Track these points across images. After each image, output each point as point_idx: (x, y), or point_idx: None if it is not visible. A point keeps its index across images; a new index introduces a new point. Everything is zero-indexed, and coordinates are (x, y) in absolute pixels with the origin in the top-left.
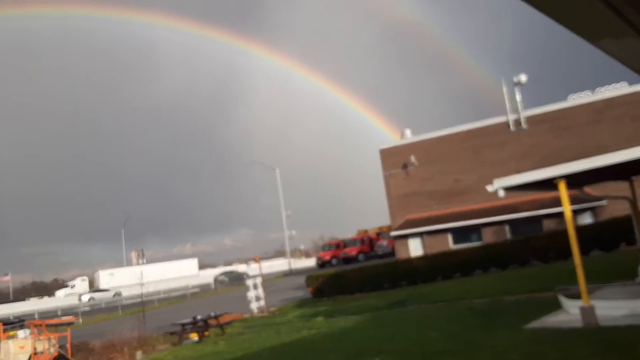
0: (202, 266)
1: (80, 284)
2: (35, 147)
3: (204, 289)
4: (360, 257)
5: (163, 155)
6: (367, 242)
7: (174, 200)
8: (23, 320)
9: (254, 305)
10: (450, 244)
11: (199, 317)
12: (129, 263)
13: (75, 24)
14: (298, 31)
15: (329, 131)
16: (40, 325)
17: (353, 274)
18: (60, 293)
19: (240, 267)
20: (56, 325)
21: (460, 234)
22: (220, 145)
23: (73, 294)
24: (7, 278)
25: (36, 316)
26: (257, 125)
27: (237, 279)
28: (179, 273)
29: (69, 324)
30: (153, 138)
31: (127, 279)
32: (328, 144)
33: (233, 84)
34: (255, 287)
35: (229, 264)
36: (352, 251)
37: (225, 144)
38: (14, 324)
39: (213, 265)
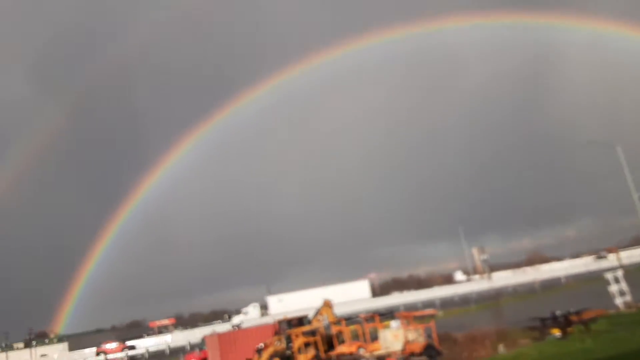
0: (544, 260)
1: (252, 311)
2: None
3: (551, 283)
4: None
5: (486, 149)
6: None
7: (507, 194)
8: (393, 313)
9: (618, 301)
10: None
11: (557, 312)
12: (471, 260)
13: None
14: None
15: None
16: (408, 317)
17: None
18: (235, 320)
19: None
20: (421, 317)
21: None
22: (547, 130)
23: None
24: (373, 275)
25: (402, 309)
26: (584, 103)
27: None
28: (349, 296)
29: (432, 316)
30: (471, 133)
31: (295, 304)
32: None
33: (545, 64)
34: (616, 280)
35: (576, 256)
36: None
37: (551, 127)
38: (386, 315)
39: (558, 259)
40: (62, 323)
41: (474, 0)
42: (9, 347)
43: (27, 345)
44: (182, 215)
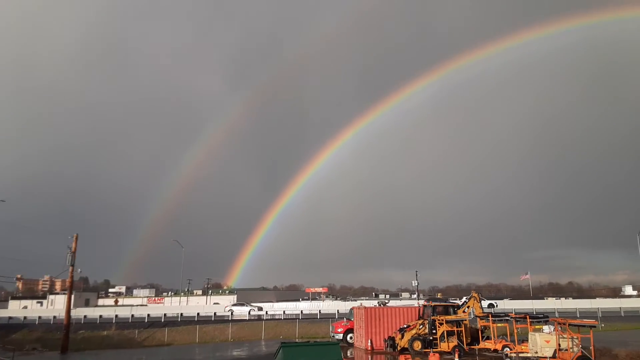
0: None
1: None
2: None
3: None
4: None
5: None
6: None
7: None
8: (547, 317)
9: None
10: None
11: None
12: None
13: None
14: None
15: None
16: (564, 324)
17: None
18: None
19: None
20: (579, 326)
21: None
22: None
23: None
24: (528, 277)
25: (556, 314)
26: None
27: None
28: None
29: (592, 326)
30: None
31: None
32: None
33: None
34: None
35: None
36: None
37: None
38: (539, 318)
39: None
40: (235, 278)
41: None
42: (190, 292)
43: (204, 293)
44: (337, 198)
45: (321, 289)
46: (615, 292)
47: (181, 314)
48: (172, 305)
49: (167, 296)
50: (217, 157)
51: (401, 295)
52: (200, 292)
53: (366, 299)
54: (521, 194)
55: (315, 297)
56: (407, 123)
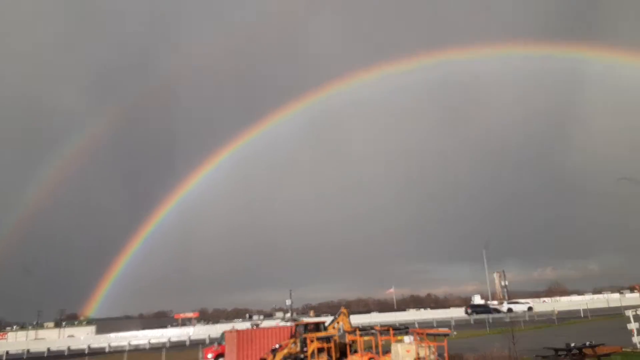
0: (564, 292)
1: None
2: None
3: (571, 314)
4: None
5: (516, 177)
6: None
7: (532, 222)
8: (407, 328)
9: (636, 339)
10: None
11: (572, 344)
12: (492, 284)
13: None
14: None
15: None
16: (422, 334)
17: None
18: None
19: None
20: (435, 335)
21: None
22: (579, 165)
23: None
24: (392, 291)
25: (416, 325)
26: (617, 138)
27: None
28: None
29: (446, 335)
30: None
31: None
32: None
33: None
34: (636, 318)
35: (598, 292)
36: None
37: (585, 162)
38: (400, 329)
39: (580, 292)
40: (94, 307)
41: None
42: (39, 326)
43: (57, 325)
44: (211, 219)
45: (192, 314)
46: (467, 302)
47: (28, 350)
48: (18, 341)
49: (12, 330)
50: (76, 177)
51: (275, 315)
52: (52, 324)
53: (240, 321)
54: (384, 214)
55: (185, 323)
56: (285, 144)
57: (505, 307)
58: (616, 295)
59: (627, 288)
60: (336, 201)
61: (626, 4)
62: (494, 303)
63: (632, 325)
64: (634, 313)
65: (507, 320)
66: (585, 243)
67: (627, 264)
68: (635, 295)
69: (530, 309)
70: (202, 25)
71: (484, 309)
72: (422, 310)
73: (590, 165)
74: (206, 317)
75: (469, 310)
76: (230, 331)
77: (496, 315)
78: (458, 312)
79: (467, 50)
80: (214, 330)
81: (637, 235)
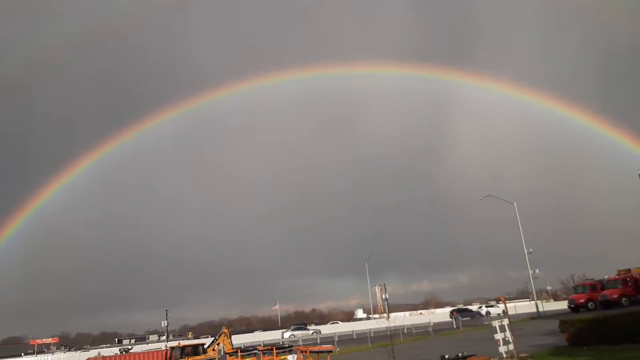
0: (439, 304)
1: None
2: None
3: (443, 326)
4: (624, 300)
5: (394, 194)
6: (632, 284)
7: (409, 236)
8: (291, 347)
9: (502, 349)
10: None
11: (447, 356)
12: (374, 297)
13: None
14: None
15: (567, 154)
16: (306, 352)
17: (619, 319)
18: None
19: (478, 307)
20: (318, 352)
21: None
22: (450, 182)
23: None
24: (277, 307)
25: (300, 342)
26: (487, 158)
27: (472, 317)
28: None
29: (329, 351)
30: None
31: None
32: (565, 168)
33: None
34: (502, 329)
35: (469, 303)
36: (612, 294)
37: (456, 180)
38: (284, 349)
39: (452, 304)
40: None
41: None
42: None
43: None
44: (69, 233)
45: (51, 339)
46: (350, 316)
47: None
48: None
49: None
50: None
51: (149, 339)
52: None
53: (107, 347)
54: (264, 228)
55: (42, 349)
56: (150, 156)
57: (484, 310)
58: (481, 306)
59: (494, 299)
60: (214, 215)
61: (494, 35)
62: (375, 316)
63: (499, 336)
64: (499, 324)
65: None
66: (456, 257)
67: (493, 277)
68: (501, 306)
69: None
70: None
71: (468, 312)
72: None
73: (459, 183)
74: (68, 342)
75: (455, 314)
76: (96, 358)
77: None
78: (341, 327)
79: (348, 66)
80: (77, 357)
81: (501, 250)
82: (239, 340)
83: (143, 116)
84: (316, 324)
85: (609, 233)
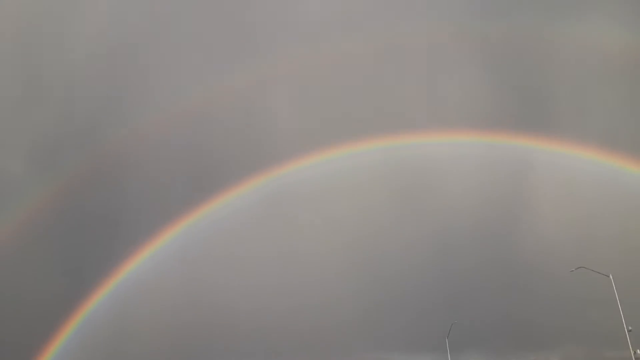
0: None
1: None
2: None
3: None
4: None
5: (470, 266)
6: None
7: (490, 310)
8: None
9: None
10: None
11: None
12: None
13: None
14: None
15: None
16: None
17: None
18: None
19: None
20: None
21: None
22: (533, 252)
23: None
24: None
25: None
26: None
27: None
28: None
29: None
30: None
31: None
32: None
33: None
34: None
35: None
36: None
37: (540, 248)
38: None
39: None
40: None
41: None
42: None
43: None
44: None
45: None
46: None
47: None
48: None
49: None
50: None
51: None
52: None
53: None
54: (340, 303)
55: None
56: (229, 231)
57: None
58: None
59: None
60: (287, 289)
61: (570, 96)
62: None
63: None
64: None
65: None
66: (544, 332)
67: (588, 355)
68: None
69: None
70: None
71: None
72: None
73: (543, 252)
74: None
75: None
76: None
77: None
78: None
79: (419, 135)
80: None
81: (596, 325)
82: None
83: (224, 188)
84: None
85: None
